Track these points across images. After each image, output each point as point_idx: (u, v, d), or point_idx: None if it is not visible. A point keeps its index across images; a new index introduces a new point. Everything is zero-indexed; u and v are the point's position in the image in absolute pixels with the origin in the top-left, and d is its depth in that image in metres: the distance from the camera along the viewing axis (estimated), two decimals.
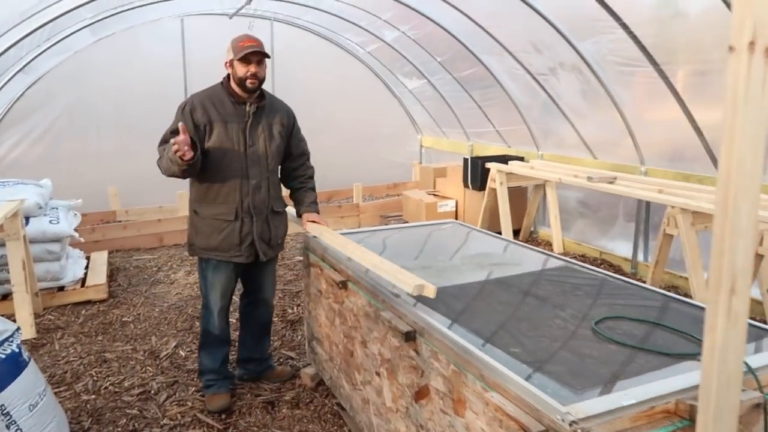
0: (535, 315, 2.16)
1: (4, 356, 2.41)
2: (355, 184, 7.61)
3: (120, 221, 6.98)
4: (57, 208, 4.96)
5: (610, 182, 4.75)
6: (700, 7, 3.65)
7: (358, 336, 2.68)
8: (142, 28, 7.09)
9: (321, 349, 3.25)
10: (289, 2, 6.62)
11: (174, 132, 2.83)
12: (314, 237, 3.15)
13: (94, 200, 6.95)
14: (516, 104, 6.08)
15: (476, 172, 6.26)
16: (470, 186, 6.39)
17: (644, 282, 4.99)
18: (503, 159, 6.30)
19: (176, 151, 2.61)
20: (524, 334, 1.98)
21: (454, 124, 7.71)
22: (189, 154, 2.66)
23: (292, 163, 3.29)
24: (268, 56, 2.93)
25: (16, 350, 2.49)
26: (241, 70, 2.87)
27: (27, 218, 4.60)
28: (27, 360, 2.55)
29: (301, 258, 5.97)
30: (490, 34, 5.17)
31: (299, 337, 4.13)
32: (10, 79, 5.47)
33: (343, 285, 2.78)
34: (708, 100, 4.11)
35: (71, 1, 4.36)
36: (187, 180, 3.05)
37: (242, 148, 2.96)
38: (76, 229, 5.43)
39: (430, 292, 2.17)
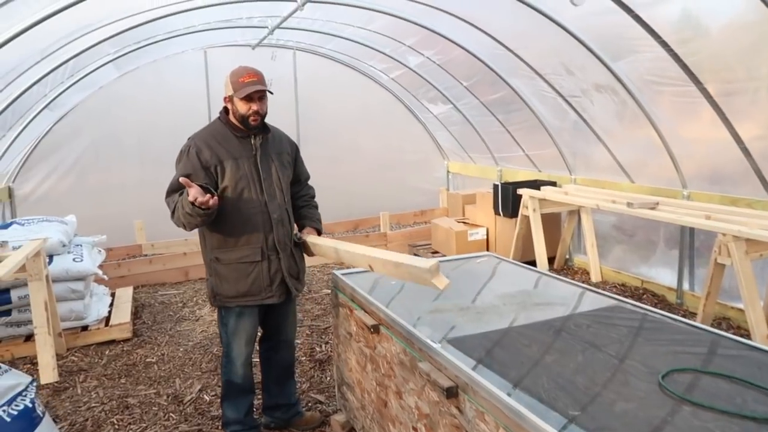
0: (592, 367, 1.93)
1: (16, 413, 2.26)
2: (382, 212, 7.44)
3: (146, 255, 6.92)
4: (81, 245, 4.89)
5: (652, 208, 4.49)
6: (746, 22, 3.44)
7: (392, 385, 2.47)
8: (166, 62, 7.12)
9: (352, 395, 3.05)
10: (312, 31, 6.58)
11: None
12: (312, 243, 3.00)
13: (121, 234, 6.94)
14: (546, 127, 5.88)
15: (507, 199, 6.04)
16: (501, 213, 6.18)
17: (694, 314, 4.71)
18: (535, 184, 6.08)
19: (198, 204, 2.46)
20: (582, 391, 1.76)
21: (481, 149, 7.53)
22: (212, 200, 2.51)
23: (295, 187, 3.16)
24: (270, 92, 2.80)
25: (30, 405, 2.35)
26: (242, 107, 2.73)
27: (50, 256, 4.54)
28: (41, 415, 2.41)
29: (329, 291, 5.85)
30: (519, 56, 5.01)
31: (328, 378, 3.93)
32: (36, 116, 5.48)
33: (375, 329, 2.59)
34: (755, 119, 3.86)
35: (93, 37, 4.33)
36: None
37: (257, 183, 2.81)
38: (101, 265, 5.38)
39: (441, 282, 2.10)
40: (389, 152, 8.68)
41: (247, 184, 2.79)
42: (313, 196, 3.30)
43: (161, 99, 7.22)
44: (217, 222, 2.78)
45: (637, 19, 3.55)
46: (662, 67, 3.87)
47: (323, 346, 4.49)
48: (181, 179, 2.48)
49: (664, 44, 3.68)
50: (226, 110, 2.88)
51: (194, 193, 2.45)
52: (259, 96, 2.75)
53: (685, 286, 4.94)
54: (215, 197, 2.53)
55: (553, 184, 6.11)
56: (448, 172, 8.95)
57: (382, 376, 2.57)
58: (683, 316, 4.68)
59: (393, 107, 8.60)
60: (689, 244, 4.86)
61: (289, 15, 5.23)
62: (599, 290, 2.79)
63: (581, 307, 2.60)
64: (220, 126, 2.85)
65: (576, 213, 5.99)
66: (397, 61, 6.94)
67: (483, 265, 3.41)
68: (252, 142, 2.84)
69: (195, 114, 7.22)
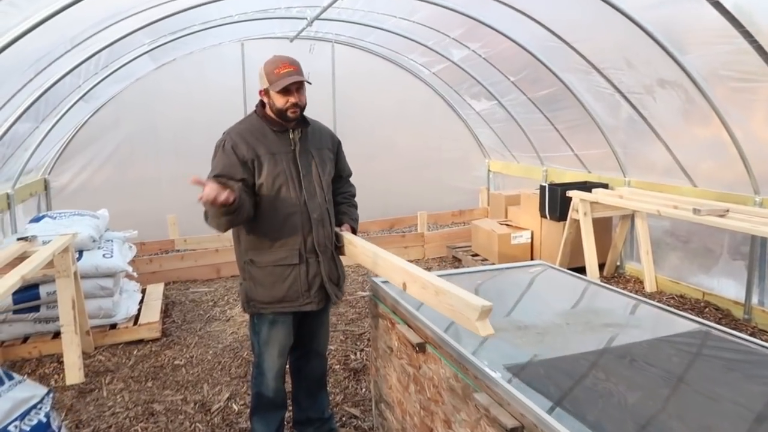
0: (685, 409, 1.62)
1: (28, 429, 2.07)
2: (420, 212, 7.15)
3: (178, 250, 6.80)
4: (112, 241, 4.75)
5: (722, 215, 4.09)
6: None
7: (439, 412, 2.19)
8: (202, 54, 6.97)
9: (392, 415, 2.78)
10: (352, 22, 6.32)
11: (219, 176, 2.47)
12: (348, 241, 2.72)
13: (154, 228, 6.84)
14: (599, 125, 5.50)
15: (555, 201, 5.68)
16: (548, 216, 5.82)
17: (765, 332, 4.29)
18: (585, 186, 5.70)
19: (203, 202, 2.21)
20: None
21: (525, 147, 7.16)
22: (223, 196, 2.21)
23: (336, 184, 2.90)
24: (309, 82, 2.55)
25: (44, 419, 2.15)
26: (279, 101, 2.50)
27: (80, 252, 4.40)
28: (57, 430, 2.20)
29: (364, 294, 5.61)
30: (575, 49, 4.64)
31: (364, 390, 3.68)
32: (70, 108, 5.37)
33: (421, 348, 2.31)
34: None
35: (125, 26, 4.15)
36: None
37: (296, 181, 2.57)
38: (132, 261, 5.25)
39: (486, 330, 1.78)
40: (428, 150, 8.38)
41: (285, 181, 2.56)
42: (354, 195, 3.05)
43: (198, 92, 7.08)
44: (253, 221, 2.55)
45: (717, 5, 3.17)
46: (741, 60, 3.48)
47: (358, 353, 4.23)
48: (190, 180, 2.22)
49: (747, 34, 3.29)
50: (262, 104, 2.65)
51: (207, 191, 2.18)
52: (297, 87, 2.51)
53: (754, 300, 4.51)
54: (228, 191, 2.25)
55: (605, 186, 5.72)
56: (488, 171, 8.60)
57: (428, 400, 2.29)
58: (752, 333, 4.28)
59: (433, 103, 8.29)
60: (760, 255, 4.43)
61: (330, 5, 4.98)
62: (674, 310, 2.45)
63: (658, 330, 2.27)
64: (257, 120, 2.62)
65: (629, 217, 5.59)
66: (440, 54, 6.62)
67: (537, 275, 3.10)
68: (290, 136, 2.61)
69: (231, 109, 7.04)
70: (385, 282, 2.87)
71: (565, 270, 3.22)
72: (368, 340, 4.46)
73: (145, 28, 4.45)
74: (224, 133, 2.62)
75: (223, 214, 2.32)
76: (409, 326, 2.47)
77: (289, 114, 2.52)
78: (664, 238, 5.42)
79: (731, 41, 3.40)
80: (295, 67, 2.51)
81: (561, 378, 1.82)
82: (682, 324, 2.31)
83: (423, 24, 5.83)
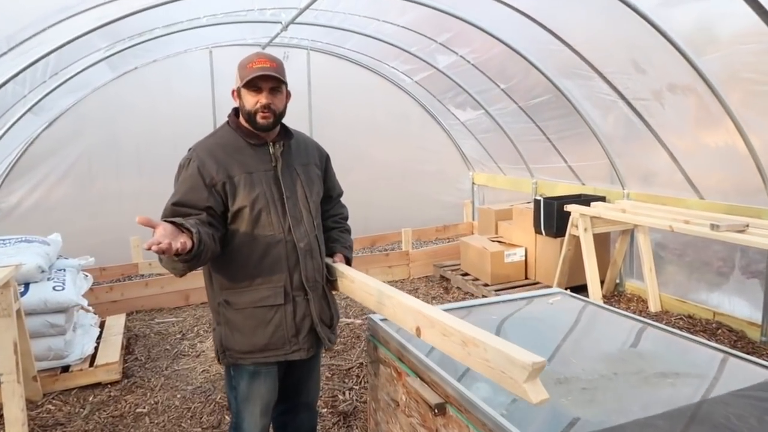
0: None
1: None
2: (404, 229, 6.72)
3: (143, 275, 6.23)
4: (64, 270, 4.19)
5: (741, 231, 3.77)
6: None
7: None
8: (167, 62, 6.46)
9: None
10: (331, 27, 5.89)
11: (180, 205, 2.01)
12: (342, 274, 2.28)
13: (116, 251, 6.29)
14: (597, 135, 5.17)
15: (551, 216, 5.32)
16: (543, 232, 5.45)
17: None
18: (581, 199, 5.36)
19: (157, 252, 1.70)
20: None
21: (513, 159, 6.82)
22: (178, 244, 1.73)
23: (325, 205, 2.46)
24: (283, 82, 2.10)
25: None
26: (249, 100, 2.07)
27: (26, 285, 3.84)
28: None
29: (350, 320, 5.14)
30: (578, 53, 4.29)
31: None
32: (16, 121, 4.79)
33: (440, 409, 1.87)
34: None
35: (75, 25, 3.61)
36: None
37: (278, 204, 2.12)
38: (91, 290, 4.70)
39: (538, 394, 1.39)
40: (408, 162, 7.97)
41: (266, 206, 2.10)
42: (346, 217, 2.60)
43: (162, 104, 6.55)
44: (228, 255, 2.09)
45: (752, 1, 2.84)
46: None
47: (347, 393, 3.76)
48: (138, 219, 1.72)
49: None
50: (236, 112, 2.20)
51: (155, 237, 1.70)
52: (271, 87, 2.07)
53: None
54: (184, 236, 1.79)
55: (602, 199, 5.39)
56: (473, 183, 8.23)
57: None
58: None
59: (414, 113, 7.90)
60: None
61: (308, 6, 4.55)
62: (737, 353, 2.06)
63: (727, 380, 1.88)
64: (229, 132, 2.17)
65: (628, 233, 5.27)
66: (424, 61, 6.24)
67: (559, 307, 2.69)
68: (271, 151, 2.16)
69: (199, 122, 6.52)
70: (385, 320, 2.43)
71: (588, 299, 2.82)
72: (357, 376, 3.99)
73: (100, 30, 3.91)
74: (190, 149, 2.15)
75: (179, 261, 1.85)
76: (422, 379, 2.03)
77: (259, 119, 2.07)
78: (666, 255, 5.10)
79: (761, 39, 3.08)
80: (272, 63, 2.07)
81: None
82: (752, 372, 1.92)
83: (408, 28, 5.44)
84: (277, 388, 2.27)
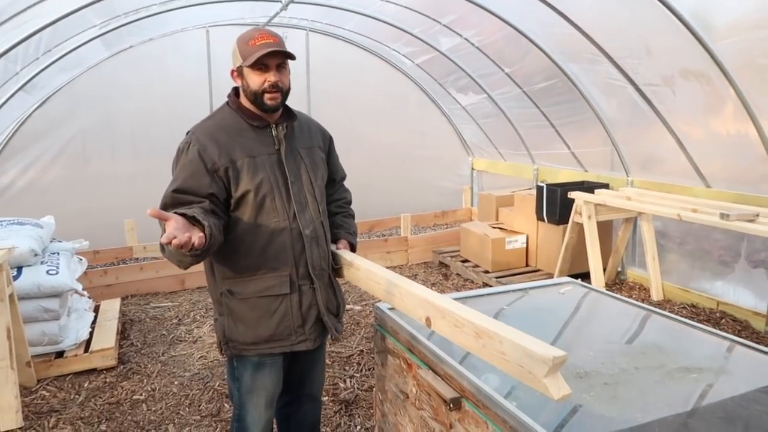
0: None
1: None
2: (403, 214, 6.64)
3: (137, 259, 6.13)
4: (58, 254, 4.09)
5: (751, 220, 3.71)
6: None
7: None
8: (163, 41, 6.29)
9: None
10: (332, 7, 5.75)
11: (181, 191, 1.91)
12: (348, 263, 2.19)
13: (109, 233, 6.20)
14: (603, 121, 5.08)
15: (554, 203, 5.25)
16: (546, 219, 5.38)
17: None
18: (584, 186, 5.28)
19: (174, 247, 1.63)
20: None
21: (514, 144, 6.73)
22: (196, 239, 1.67)
23: (328, 189, 2.36)
24: (292, 57, 1.99)
25: None
26: (254, 80, 1.95)
27: (19, 268, 3.74)
28: None
29: (349, 307, 5.07)
30: (589, 36, 4.17)
31: (359, 428, 3.15)
32: (8, 99, 4.64)
33: (456, 404, 1.80)
34: None
35: (65, 3, 3.44)
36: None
37: (283, 190, 2.03)
38: (84, 274, 4.60)
39: (559, 390, 1.32)
40: (407, 147, 7.86)
41: (270, 191, 2.00)
42: (350, 202, 2.50)
43: (158, 84, 6.39)
44: (230, 244, 1.99)
45: None
46: None
47: (348, 380, 3.70)
48: (150, 212, 1.65)
49: None
50: (236, 92, 2.08)
51: (170, 231, 1.62)
52: (277, 63, 1.96)
53: None
54: (201, 235, 1.71)
55: (605, 186, 5.32)
56: (472, 169, 8.14)
57: None
58: None
59: (414, 97, 7.78)
60: None
61: None
62: (764, 347, 2.00)
63: (752, 376, 1.81)
64: (230, 114, 2.05)
65: (632, 221, 5.21)
66: (427, 43, 6.11)
67: (572, 297, 2.62)
68: (273, 133, 2.05)
69: (195, 102, 6.42)
70: (394, 310, 2.35)
71: (599, 289, 2.75)
72: (358, 364, 3.93)
73: (96, 5, 3.76)
74: (188, 132, 2.03)
75: (189, 255, 1.76)
76: (435, 372, 1.95)
77: (267, 99, 1.96)
78: (669, 244, 5.06)
79: None
80: (275, 38, 1.95)
81: None
82: None
83: (411, 8, 5.30)
84: (281, 379, 2.19)
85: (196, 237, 1.66)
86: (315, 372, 2.40)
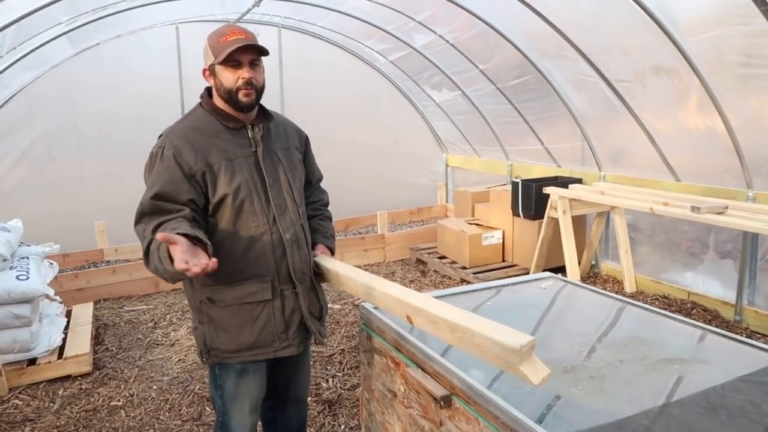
0: None
1: None
2: (380, 212, 6.64)
3: (109, 262, 5.99)
4: (27, 258, 3.97)
5: (720, 212, 3.81)
6: None
7: None
8: (131, 38, 6.14)
9: None
10: (306, 3, 5.69)
11: (160, 198, 1.85)
12: (327, 269, 2.17)
13: (79, 237, 6.03)
14: (575, 116, 5.16)
15: (529, 198, 5.31)
16: (521, 214, 5.45)
17: (758, 333, 4.07)
18: (557, 182, 5.37)
19: (191, 276, 1.59)
20: None
21: (488, 141, 6.78)
22: (211, 263, 1.62)
23: (306, 191, 2.31)
24: (265, 53, 1.95)
25: None
26: (228, 77, 1.90)
27: None
28: None
29: (329, 306, 5.04)
30: (563, 34, 4.23)
31: (343, 427, 3.14)
32: None
33: (446, 402, 1.81)
34: None
35: None
36: None
37: (261, 193, 1.99)
38: (55, 278, 4.48)
39: (537, 374, 1.37)
40: (381, 144, 7.85)
41: (248, 195, 1.96)
42: (327, 203, 2.46)
43: (126, 83, 6.22)
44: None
45: None
46: (757, 43, 3.17)
47: (331, 380, 3.69)
48: (159, 236, 1.62)
49: None
50: (209, 92, 2.03)
51: (180, 256, 1.58)
52: (250, 60, 1.92)
53: (745, 300, 4.29)
54: (214, 260, 1.65)
55: (579, 181, 5.42)
56: (446, 166, 8.18)
57: None
58: (749, 336, 4.04)
59: (388, 94, 7.76)
60: (751, 253, 4.21)
61: None
62: (742, 337, 2.06)
63: (732, 366, 1.86)
64: (203, 115, 2.00)
65: (604, 215, 5.30)
66: (401, 40, 6.11)
67: (553, 292, 2.65)
68: (250, 134, 2.01)
69: (165, 102, 6.30)
70: (379, 309, 2.35)
71: (579, 283, 2.80)
72: (340, 363, 3.92)
73: (62, 2, 3.65)
74: (161, 136, 1.97)
75: (187, 277, 1.69)
76: (424, 370, 1.96)
77: (241, 97, 1.91)
78: (639, 237, 5.17)
79: (748, 21, 3.07)
80: (247, 34, 1.91)
81: None
82: (755, 356, 1.91)
83: (386, 5, 5.29)
84: (265, 384, 2.17)
85: (211, 262, 1.62)
86: (300, 375, 2.37)
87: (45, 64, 5.56)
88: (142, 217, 1.85)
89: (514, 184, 5.48)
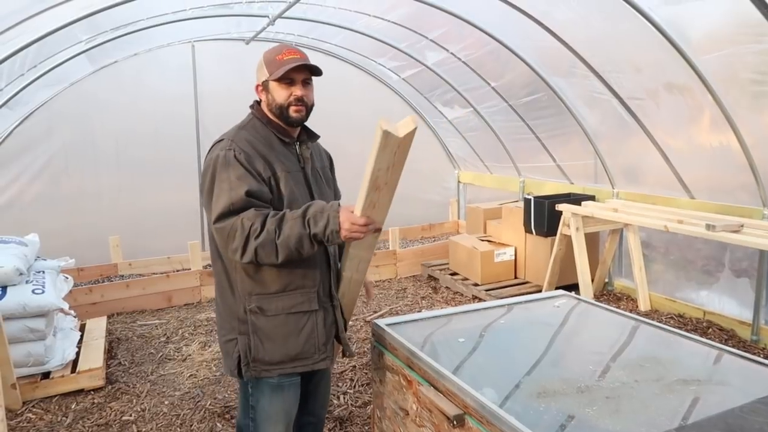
0: None
1: None
2: (391, 227, 6.65)
3: (122, 276, 6.04)
4: (43, 272, 4.02)
5: (736, 231, 3.77)
6: None
7: None
8: (148, 56, 6.24)
9: None
10: (318, 22, 5.77)
11: (252, 195, 1.89)
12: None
13: (94, 251, 6.09)
14: (588, 134, 5.15)
15: (542, 215, 5.30)
16: (534, 231, 5.42)
17: None
18: (570, 198, 5.35)
19: (356, 231, 1.86)
20: None
21: (500, 157, 6.78)
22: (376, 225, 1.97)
23: None
24: (318, 72, 2.02)
25: None
26: (281, 94, 1.98)
27: (3, 288, 3.66)
28: None
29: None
30: (575, 51, 4.24)
31: None
32: None
33: (459, 421, 1.80)
34: None
35: (56, 16, 3.42)
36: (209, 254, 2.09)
37: None
38: (69, 292, 4.51)
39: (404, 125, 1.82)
40: None
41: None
42: None
43: (143, 101, 6.31)
44: None
45: (759, 1, 2.82)
46: None
47: (342, 397, 3.67)
48: (362, 221, 1.90)
49: None
50: (259, 105, 2.10)
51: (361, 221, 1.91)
52: (303, 79, 1.99)
53: (762, 320, 4.23)
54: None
55: (592, 198, 5.39)
56: (458, 182, 8.18)
57: None
58: (767, 357, 3.97)
59: (401, 111, 7.79)
60: None
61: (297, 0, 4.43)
62: (759, 358, 2.03)
63: (750, 386, 1.84)
64: (261, 126, 2.05)
65: (618, 232, 5.27)
66: (413, 58, 6.15)
67: (566, 310, 2.64)
68: (298, 151, 2.09)
69: (180, 120, 6.39)
70: (391, 325, 2.36)
71: (592, 301, 2.78)
72: (351, 380, 3.90)
73: (83, 21, 3.74)
74: (225, 139, 2.00)
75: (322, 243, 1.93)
76: (437, 389, 1.95)
77: (292, 112, 1.98)
78: (653, 255, 5.12)
79: (761, 39, 3.07)
80: (302, 54, 2.00)
81: None
82: None
83: (399, 23, 5.34)
84: (298, 401, 2.18)
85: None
86: (321, 393, 2.40)
87: (64, 81, 5.66)
88: (231, 212, 1.87)
89: (527, 201, 5.46)
